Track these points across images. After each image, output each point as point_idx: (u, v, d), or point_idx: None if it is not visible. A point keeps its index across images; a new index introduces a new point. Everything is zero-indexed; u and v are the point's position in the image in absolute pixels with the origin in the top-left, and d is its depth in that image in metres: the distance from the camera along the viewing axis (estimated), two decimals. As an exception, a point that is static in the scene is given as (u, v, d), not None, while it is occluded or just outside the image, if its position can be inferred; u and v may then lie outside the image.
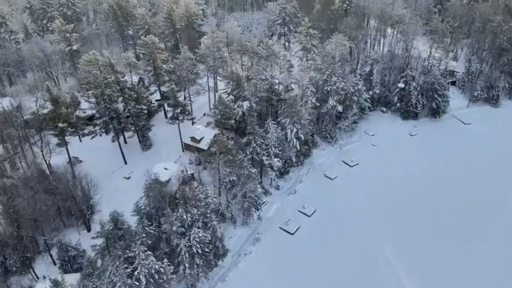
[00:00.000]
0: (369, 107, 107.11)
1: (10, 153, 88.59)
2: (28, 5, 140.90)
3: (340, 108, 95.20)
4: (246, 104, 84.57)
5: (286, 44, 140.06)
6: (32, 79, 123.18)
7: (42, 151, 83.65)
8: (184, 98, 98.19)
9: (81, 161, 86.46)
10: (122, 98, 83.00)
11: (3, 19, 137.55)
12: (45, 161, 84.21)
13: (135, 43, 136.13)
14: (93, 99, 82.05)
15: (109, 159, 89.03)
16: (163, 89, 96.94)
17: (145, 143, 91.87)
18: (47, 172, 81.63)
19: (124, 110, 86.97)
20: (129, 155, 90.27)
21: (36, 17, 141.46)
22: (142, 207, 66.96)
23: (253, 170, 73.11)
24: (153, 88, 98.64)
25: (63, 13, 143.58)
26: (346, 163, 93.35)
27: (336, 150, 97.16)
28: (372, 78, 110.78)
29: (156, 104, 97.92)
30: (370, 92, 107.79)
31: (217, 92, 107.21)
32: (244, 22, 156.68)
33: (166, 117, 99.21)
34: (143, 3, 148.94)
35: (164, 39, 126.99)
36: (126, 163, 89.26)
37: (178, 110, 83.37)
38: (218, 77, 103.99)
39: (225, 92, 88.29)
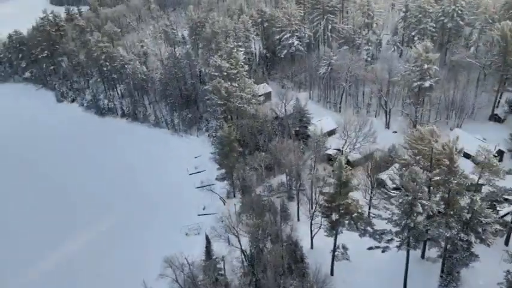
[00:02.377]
0: None
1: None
2: (404, 9, 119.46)
3: None
4: None
5: None
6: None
7: (311, 220, 64.16)
8: None
9: (347, 258, 61.13)
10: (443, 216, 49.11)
11: (371, 19, 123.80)
12: (311, 232, 64.70)
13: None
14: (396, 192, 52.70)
15: (386, 277, 59.20)
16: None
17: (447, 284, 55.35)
18: (302, 250, 62.14)
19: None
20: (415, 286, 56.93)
21: (407, 24, 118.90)
22: None
23: None
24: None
25: (442, 24, 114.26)
26: None
27: None
28: None
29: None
30: None
31: None
32: None
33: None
34: None
35: None
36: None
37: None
38: None
39: None
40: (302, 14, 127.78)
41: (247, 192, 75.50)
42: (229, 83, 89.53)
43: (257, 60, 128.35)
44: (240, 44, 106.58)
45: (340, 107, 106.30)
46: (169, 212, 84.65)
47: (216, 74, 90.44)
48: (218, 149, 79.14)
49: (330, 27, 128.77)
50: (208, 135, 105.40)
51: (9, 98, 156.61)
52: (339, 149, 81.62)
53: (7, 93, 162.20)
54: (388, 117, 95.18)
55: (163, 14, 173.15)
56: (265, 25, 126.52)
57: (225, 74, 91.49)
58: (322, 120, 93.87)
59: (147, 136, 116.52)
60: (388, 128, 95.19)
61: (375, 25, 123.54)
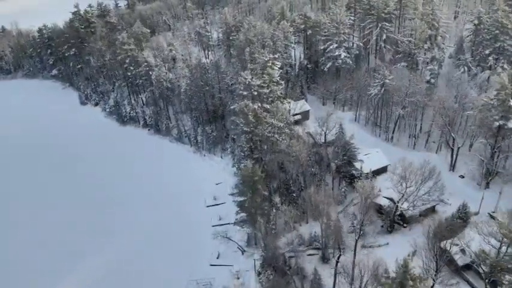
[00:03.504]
0: None
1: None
2: (476, 22, 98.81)
3: None
4: None
5: None
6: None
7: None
8: None
9: None
10: None
11: (435, 31, 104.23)
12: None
13: None
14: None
15: None
16: None
17: None
18: None
19: None
20: None
21: (479, 40, 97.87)
22: None
23: None
24: None
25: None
26: None
27: None
28: None
29: None
30: None
31: None
32: None
33: None
34: None
35: None
36: None
37: None
38: None
39: None
40: (352, 21, 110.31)
41: (270, 249, 60.45)
42: (260, 104, 74.52)
43: (296, 71, 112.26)
44: (276, 56, 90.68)
45: (392, 137, 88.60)
46: (178, 254, 71.83)
47: (245, 93, 75.54)
48: (239, 189, 64.46)
49: (384, 36, 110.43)
50: (233, 159, 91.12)
51: (35, 94, 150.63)
52: (391, 199, 64.70)
53: (34, 89, 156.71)
54: (454, 157, 76.47)
55: (199, 12, 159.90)
56: (308, 32, 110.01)
57: (256, 93, 76.44)
58: (371, 154, 77.46)
59: (167, 152, 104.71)
60: (453, 170, 76.66)
61: (439, 38, 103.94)
